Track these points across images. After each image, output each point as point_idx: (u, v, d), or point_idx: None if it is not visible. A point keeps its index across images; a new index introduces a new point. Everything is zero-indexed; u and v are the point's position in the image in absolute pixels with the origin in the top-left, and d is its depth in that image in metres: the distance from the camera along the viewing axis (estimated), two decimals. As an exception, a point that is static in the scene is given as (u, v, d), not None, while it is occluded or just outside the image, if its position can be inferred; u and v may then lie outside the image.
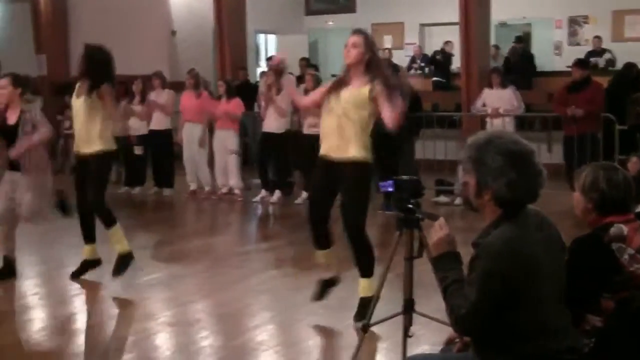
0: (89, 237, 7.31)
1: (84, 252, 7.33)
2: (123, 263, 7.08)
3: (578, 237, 3.48)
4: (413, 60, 17.86)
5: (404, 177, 4.08)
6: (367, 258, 5.92)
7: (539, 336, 3.05)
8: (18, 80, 7.25)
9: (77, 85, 7.18)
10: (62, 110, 15.51)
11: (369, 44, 5.84)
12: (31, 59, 17.83)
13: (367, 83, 5.74)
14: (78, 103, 7.08)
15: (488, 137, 3.20)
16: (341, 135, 5.79)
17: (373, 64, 5.80)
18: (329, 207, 6.04)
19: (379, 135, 10.66)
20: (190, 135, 11.88)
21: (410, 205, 3.82)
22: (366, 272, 5.87)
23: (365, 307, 5.44)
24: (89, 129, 7.03)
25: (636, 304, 3.13)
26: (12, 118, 7.10)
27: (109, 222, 7.11)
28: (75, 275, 7.26)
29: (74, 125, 7.29)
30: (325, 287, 6.13)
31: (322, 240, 6.05)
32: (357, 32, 5.91)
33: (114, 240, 7.13)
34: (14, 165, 7.11)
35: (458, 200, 10.92)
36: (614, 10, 16.92)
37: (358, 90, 5.74)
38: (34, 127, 7.03)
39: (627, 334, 3.02)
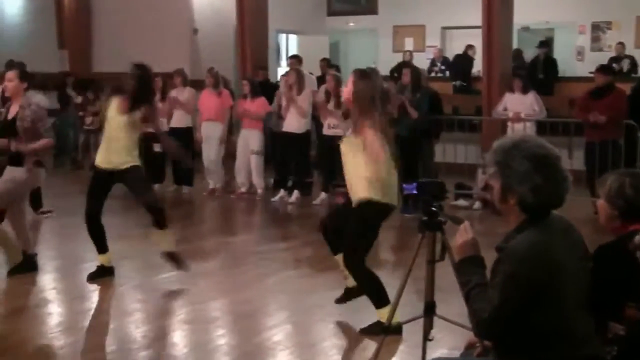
0: (102, 247, 7.31)
1: (100, 259, 7.32)
2: (176, 259, 7.22)
3: (603, 244, 3.46)
4: (433, 63, 17.82)
5: (428, 179, 4.06)
6: (370, 289, 5.83)
7: (562, 343, 3.03)
8: (25, 75, 7.28)
9: (114, 100, 7.22)
10: (84, 107, 15.59)
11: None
12: (54, 55, 17.94)
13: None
14: (119, 119, 7.10)
15: (514, 141, 3.17)
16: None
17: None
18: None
19: (399, 138, 10.75)
20: (209, 133, 11.91)
21: (434, 208, 3.79)
22: (377, 304, 5.76)
23: (374, 328, 5.56)
24: (126, 145, 7.15)
25: (661, 312, 3.11)
26: (11, 112, 7.14)
27: (163, 224, 7.24)
28: (91, 278, 7.21)
29: (108, 136, 7.26)
30: (350, 295, 6.12)
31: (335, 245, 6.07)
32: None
33: (163, 240, 7.27)
34: (13, 161, 7.13)
35: (477, 205, 10.90)
36: (639, 16, 16.79)
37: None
38: (33, 124, 7.02)
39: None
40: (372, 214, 5.79)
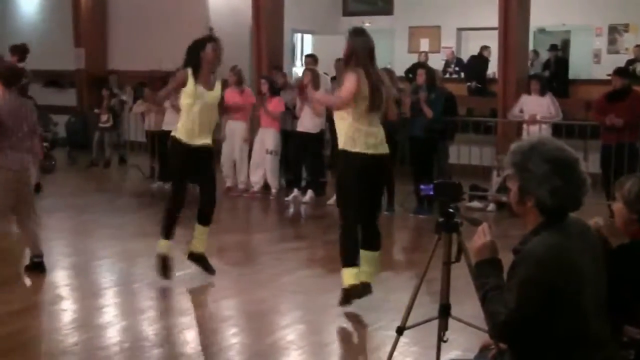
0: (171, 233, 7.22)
1: (161, 246, 7.13)
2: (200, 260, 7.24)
3: (620, 246, 3.45)
4: (447, 64, 17.80)
5: (445, 180, 4.06)
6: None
7: (578, 346, 3.02)
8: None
9: (215, 76, 7.24)
10: (99, 104, 15.66)
11: None
12: (70, 52, 18.02)
13: None
14: (214, 95, 7.12)
15: (533, 143, 3.17)
16: None
17: None
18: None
19: (413, 139, 10.76)
20: (231, 132, 11.93)
21: (451, 209, 3.79)
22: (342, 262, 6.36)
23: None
24: (212, 122, 7.24)
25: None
26: None
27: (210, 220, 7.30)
28: (162, 273, 7.09)
29: (201, 116, 7.02)
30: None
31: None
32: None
33: (203, 238, 7.26)
34: None
35: (491, 207, 10.88)
36: (656, 18, 16.76)
37: None
38: None
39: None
40: (345, 165, 6.26)
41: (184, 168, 7.08)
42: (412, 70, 13.57)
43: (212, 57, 7.07)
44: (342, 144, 6.22)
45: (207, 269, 7.22)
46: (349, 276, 6.24)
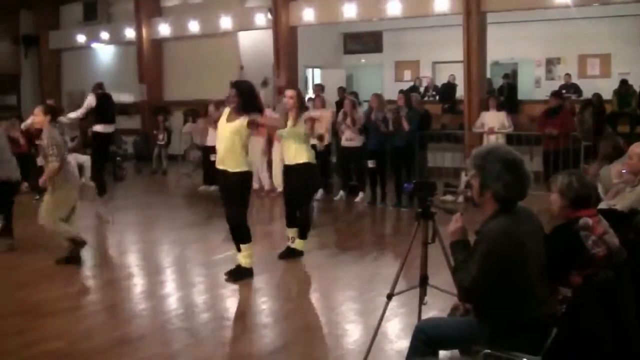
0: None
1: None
2: (240, 273, 6.42)
3: (555, 226, 3.47)
4: (427, 89, 17.76)
5: (422, 180, 4.06)
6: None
7: (526, 304, 3.03)
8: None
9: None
10: (157, 127, 15.72)
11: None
12: (135, 88, 18.10)
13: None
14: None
15: (489, 148, 3.19)
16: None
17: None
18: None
19: (395, 149, 10.72)
20: (254, 146, 11.94)
21: (428, 202, 3.78)
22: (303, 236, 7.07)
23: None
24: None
25: (598, 279, 3.11)
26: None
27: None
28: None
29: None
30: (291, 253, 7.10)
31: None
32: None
33: (245, 254, 6.44)
34: None
35: (460, 199, 10.84)
36: (580, 53, 16.76)
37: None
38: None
39: (591, 303, 2.99)
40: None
41: None
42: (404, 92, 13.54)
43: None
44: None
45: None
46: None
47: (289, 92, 7.05)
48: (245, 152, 6.25)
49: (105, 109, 10.48)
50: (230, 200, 6.29)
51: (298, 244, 7.18)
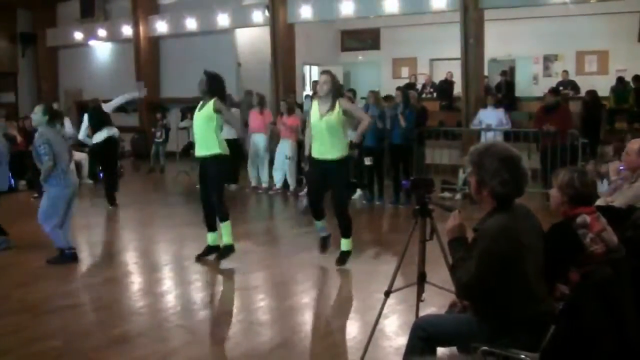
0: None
1: (208, 239, 7.07)
2: (225, 252, 6.91)
3: (554, 224, 3.45)
4: (424, 87, 17.74)
5: (420, 177, 4.03)
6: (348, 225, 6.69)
7: (523, 301, 3.01)
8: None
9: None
10: (155, 124, 15.69)
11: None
12: (133, 85, 18.04)
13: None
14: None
15: (486, 146, 3.18)
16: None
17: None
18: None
19: (392, 146, 10.72)
20: (255, 143, 11.94)
21: (426, 199, 3.76)
22: (346, 234, 6.74)
23: (344, 257, 6.70)
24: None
25: (596, 276, 3.10)
26: None
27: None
28: (199, 258, 7.01)
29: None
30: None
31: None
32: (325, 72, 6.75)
33: (224, 233, 6.86)
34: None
35: (458, 196, 10.84)
36: (578, 50, 16.77)
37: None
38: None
39: (589, 300, 2.98)
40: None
41: None
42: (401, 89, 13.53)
43: None
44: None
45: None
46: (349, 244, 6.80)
47: (323, 77, 6.52)
48: (218, 136, 6.61)
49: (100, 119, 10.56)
50: (211, 184, 6.69)
51: (344, 245, 6.78)
